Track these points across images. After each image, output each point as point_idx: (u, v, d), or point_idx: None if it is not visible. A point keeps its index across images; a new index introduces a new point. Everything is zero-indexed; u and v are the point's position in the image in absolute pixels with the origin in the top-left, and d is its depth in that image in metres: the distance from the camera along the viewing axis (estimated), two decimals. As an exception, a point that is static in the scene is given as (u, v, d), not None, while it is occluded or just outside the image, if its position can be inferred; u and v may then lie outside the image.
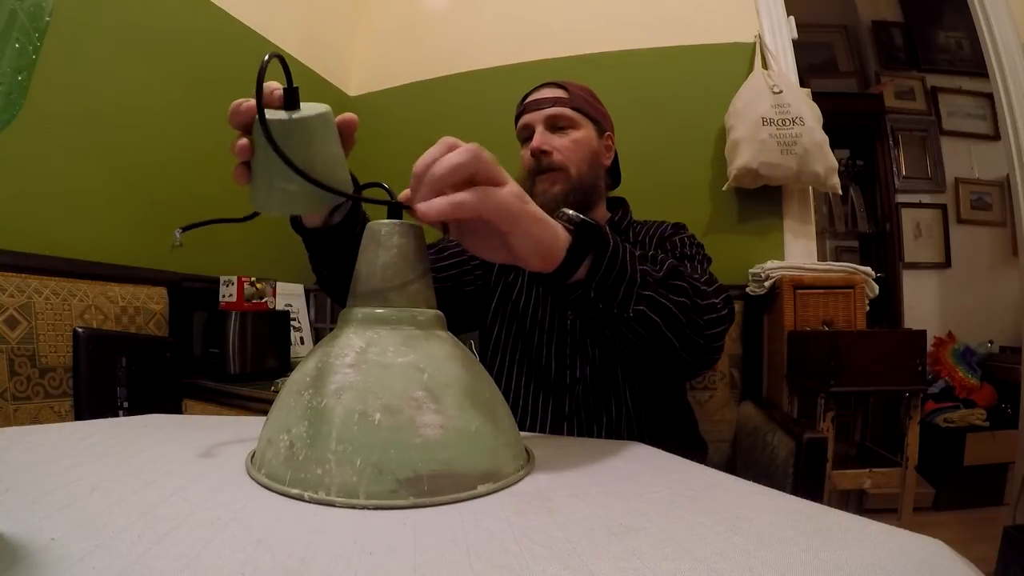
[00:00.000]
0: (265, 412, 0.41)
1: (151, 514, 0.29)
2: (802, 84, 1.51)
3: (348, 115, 0.47)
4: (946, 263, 2.59)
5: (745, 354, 1.31)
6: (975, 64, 2.40)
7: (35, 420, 0.96)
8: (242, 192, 0.43)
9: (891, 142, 2.67)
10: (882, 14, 2.83)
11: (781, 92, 1.39)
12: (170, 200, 1.32)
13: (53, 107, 1.07)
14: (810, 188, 1.47)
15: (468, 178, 0.38)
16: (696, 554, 0.26)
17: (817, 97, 1.47)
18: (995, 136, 2.56)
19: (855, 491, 1.42)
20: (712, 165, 1.53)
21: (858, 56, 2.86)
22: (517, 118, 0.89)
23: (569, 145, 0.83)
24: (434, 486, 0.33)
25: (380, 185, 0.48)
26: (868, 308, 1.31)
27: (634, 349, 0.53)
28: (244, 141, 0.41)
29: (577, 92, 0.86)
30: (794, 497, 0.35)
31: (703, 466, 0.43)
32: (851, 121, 2.60)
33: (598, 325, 0.51)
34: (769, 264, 1.36)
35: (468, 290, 0.87)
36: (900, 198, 2.65)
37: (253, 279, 1.31)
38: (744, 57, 1.53)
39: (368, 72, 2.01)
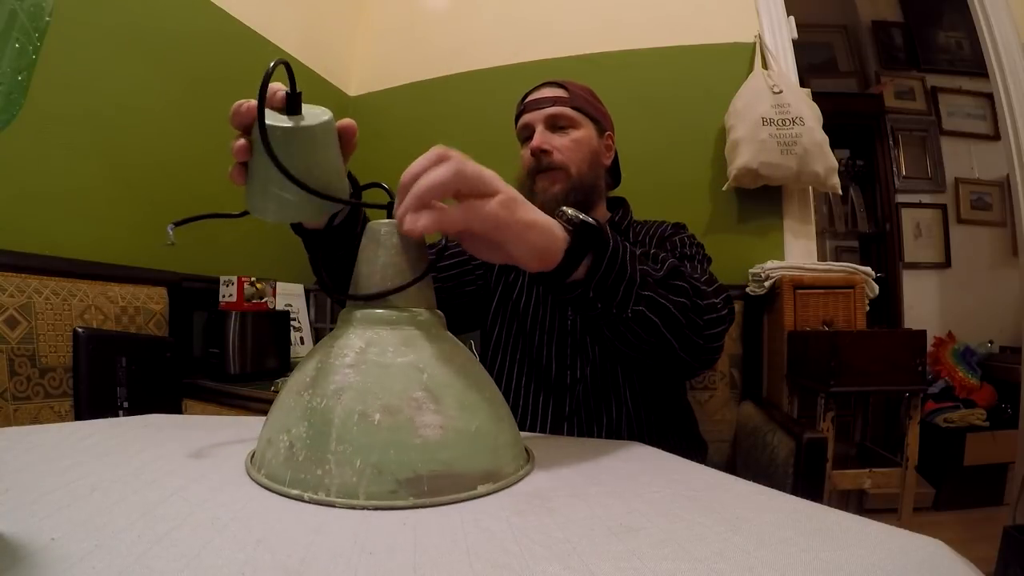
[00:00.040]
0: (265, 412, 0.41)
1: (151, 514, 0.29)
2: (802, 84, 1.51)
3: (347, 121, 0.46)
4: (946, 263, 2.59)
5: (745, 354, 1.31)
6: (975, 64, 2.40)
7: (35, 420, 0.96)
8: (242, 192, 0.43)
9: (891, 142, 2.66)
10: (882, 14, 2.83)
11: (781, 92, 1.39)
12: (170, 200, 1.32)
13: (53, 107, 1.07)
14: (810, 188, 1.47)
15: (453, 194, 0.38)
16: (696, 554, 0.26)
17: (817, 97, 1.47)
18: (995, 136, 2.56)
19: (855, 491, 1.42)
20: (712, 165, 1.53)
21: (858, 56, 2.85)
22: (517, 118, 0.89)
23: (569, 144, 0.83)
24: (434, 486, 0.33)
25: (380, 185, 0.48)
26: (868, 308, 1.30)
27: (633, 349, 0.53)
28: (243, 142, 0.41)
29: (577, 92, 0.86)
30: (794, 497, 0.35)
31: (703, 466, 0.43)
32: (851, 121, 2.60)
33: (597, 324, 0.51)
34: (769, 264, 1.36)
35: (468, 290, 0.87)
36: (900, 198, 2.65)
37: (253, 279, 1.31)
38: (744, 57, 1.53)
39: (368, 72, 2.01)
